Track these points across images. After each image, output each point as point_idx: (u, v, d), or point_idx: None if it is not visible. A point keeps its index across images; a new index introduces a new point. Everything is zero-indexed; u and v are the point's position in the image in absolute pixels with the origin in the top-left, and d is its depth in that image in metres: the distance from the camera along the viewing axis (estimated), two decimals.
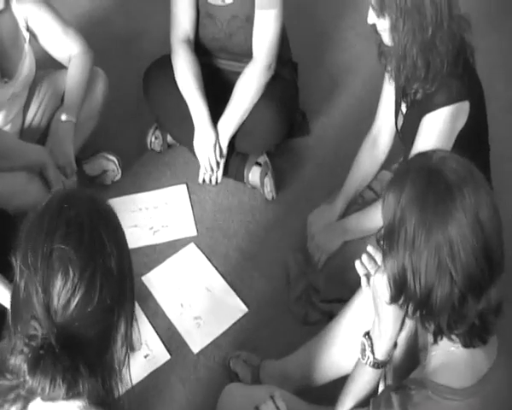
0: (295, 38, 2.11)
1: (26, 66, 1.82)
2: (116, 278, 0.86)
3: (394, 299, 0.96)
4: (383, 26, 1.40)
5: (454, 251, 0.88)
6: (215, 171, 1.92)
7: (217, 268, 1.80)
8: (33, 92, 1.92)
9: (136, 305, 1.69)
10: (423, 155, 0.98)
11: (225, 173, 1.97)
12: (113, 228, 0.90)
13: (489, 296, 0.91)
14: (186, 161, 2.05)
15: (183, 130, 1.91)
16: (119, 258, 0.87)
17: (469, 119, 1.44)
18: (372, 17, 1.40)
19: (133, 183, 2.02)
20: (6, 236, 1.68)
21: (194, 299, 1.73)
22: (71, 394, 0.81)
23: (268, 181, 1.90)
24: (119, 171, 1.98)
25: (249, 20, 1.84)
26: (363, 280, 1.09)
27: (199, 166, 1.95)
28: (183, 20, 1.89)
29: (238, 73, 1.90)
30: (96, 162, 1.98)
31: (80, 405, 0.84)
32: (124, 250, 0.90)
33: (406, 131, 1.54)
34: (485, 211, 0.90)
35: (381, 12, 1.37)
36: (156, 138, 2.05)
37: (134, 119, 2.14)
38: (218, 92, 1.93)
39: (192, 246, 1.85)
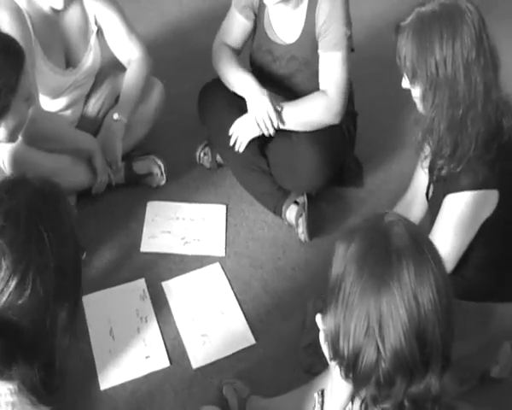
0: (369, 90, 2.16)
1: (91, 57, 1.97)
2: (53, 272, 0.87)
3: (331, 357, 0.91)
4: (415, 93, 1.40)
5: (383, 322, 0.83)
6: (273, 128, 1.87)
7: (235, 294, 1.85)
8: (95, 86, 2.07)
9: (150, 307, 1.79)
10: (378, 216, 0.93)
11: (264, 202, 2.02)
12: (56, 222, 0.90)
13: (426, 383, 0.84)
14: (232, 185, 2.13)
15: (231, 152, 1.96)
16: (58, 253, 0.88)
17: (499, 209, 1.40)
18: (406, 82, 1.40)
19: (177, 192, 2.11)
20: None
21: (206, 317, 1.77)
22: (3, 376, 0.84)
23: (301, 222, 1.94)
24: (164, 176, 2.09)
25: (308, 63, 1.89)
26: (321, 336, 0.95)
27: (242, 190, 2.02)
28: (227, 37, 1.97)
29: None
30: (144, 162, 2.09)
31: (11, 388, 0.86)
32: (65, 245, 0.90)
33: (433, 204, 1.53)
34: (426, 292, 0.83)
35: (412, 79, 1.36)
36: (205, 155, 2.15)
37: (192, 131, 2.23)
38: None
39: (217, 265, 1.91)
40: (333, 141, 1.94)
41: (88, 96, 2.07)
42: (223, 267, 1.91)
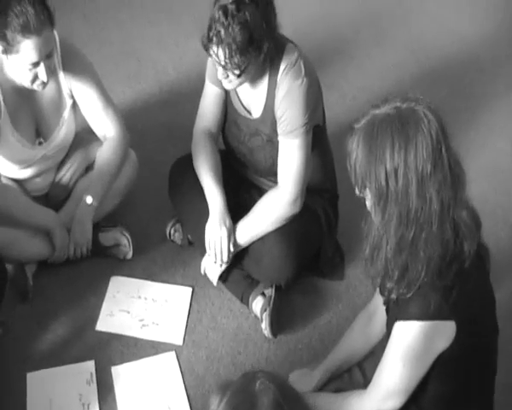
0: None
1: (63, 132, 1.96)
2: None
3: None
4: (367, 203, 1.29)
5: None
6: (223, 261, 1.88)
7: (186, 388, 1.80)
8: (69, 152, 2.07)
9: (95, 393, 1.75)
10: (251, 377, 0.96)
11: (231, 289, 1.99)
12: None
13: None
14: None
15: (199, 230, 1.92)
16: None
17: (457, 343, 1.29)
18: (357, 190, 1.29)
19: (144, 267, 2.10)
20: None
21: None
22: None
23: (265, 318, 1.90)
24: (130, 249, 2.07)
25: (270, 141, 1.86)
26: None
27: None
28: (207, 114, 1.96)
29: (261, 190, 1.95)
30: (111, 234, 2.08)
31: None
32: None
33: (388, 325, 1.43)
34: None
35: (361, 189, 1.26)
36: (176, 231, 2.13)
37: (164, 205, 2.19)
38: (242, 200, 1.97)
39: (172, 355, 1.87)
40: (303, 229, 1.89)
41: (61, 163, 2.07)
42: (178, 357, 1.87)
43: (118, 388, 1.77)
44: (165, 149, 2.43)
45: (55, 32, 1.85)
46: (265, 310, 1.90)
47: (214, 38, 1.61)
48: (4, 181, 1.98)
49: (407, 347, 1.31)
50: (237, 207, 1.93)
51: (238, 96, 1.89)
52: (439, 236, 1.22)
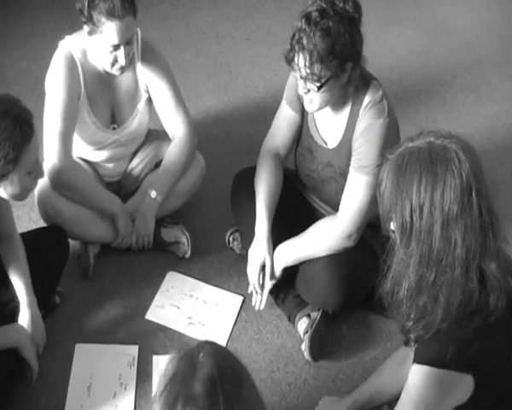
0: None
1: (136, 122, 2.12)
2: None
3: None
4: (391, 236, 1.29)
5: None
6: (258, 292, 1.96)
7: None
8: (142, 147, 2.23)
9: (134, 376, 1.85)
10: (199, 344, 1.05)
11: (281, 306, 2.04)
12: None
13: None
14: None
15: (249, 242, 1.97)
16: None
17: (475, 400, 1.26)
18: (383, 221, 1.31)
19: (201, 269, 2.20)
20: (54, 252, 1.97)
21: None
22: None
23: (306, 339, 1.93)
24: (189, 248, 2.18)
25: (343, 174, 1.88)
26: None
27: None
28: (278, 135, 2.00)
29: (323, 215, 1.99)
30: (173, 231, 2.20)
31: None
32: None
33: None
34: None
35: (388, 219, 1.26)
36: (235, 240, 2.22)
37: (229, 213, 2.24)
38: (299, 222, 1.99)
39: None
40: (357, 261, 1.90)
41: (134, 154, 2.23)
42: None
43: (155, 376, 1.87)
44: (241, 161, 2.54)
45: (138, 29, 2.04)
46: (307, 332, 1.94)
47: (296, 46, 1.67)
48: (81, 164, 2.16)
49: (420, 392, 1.29)
50: (293, 227, 1.97)
51: (316, 124, 1.93)
52: (461, 283, 1.19)
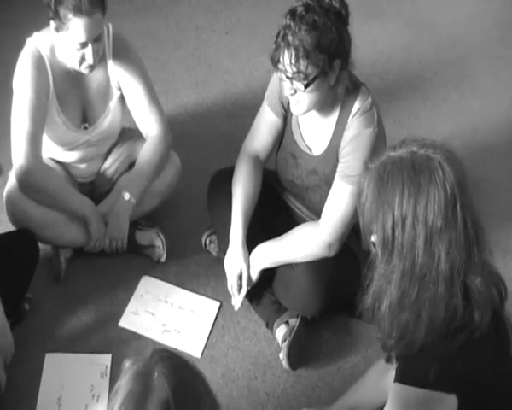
0: None
1: (107, 121, 2.06)
2: None
3: None
4: (372, 249, 1.25)
5: None
6: (235, 295, 1.93)
7: None
8: (115, 146, 2.16)
9: (107, 387, 1.79)
10: (153, 359, 1.00)
11: (259, 311, 2.01)
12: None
13: None
14: None
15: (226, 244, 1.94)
16: None
17: None
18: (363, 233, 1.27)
19: (176, 273, 2.15)
20: (23, 258, 1.91)
21: None
22: None
23: (284, 347, 1.90)
24: (164, 252, 2.12)
25: (328, 182, 1.83)
26: None
27: None
28: (258, 137, 1.94)
29: (303, 219, 1.95)
30: (147, 233, 2.14)
31: None
32: None
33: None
34: None
35: (367, 231, 1.22)
36: (211, 243, 2.17)
37: (206, 215, 2.18)
38: (278, 226, 1.95)
39: None
40: (338, 267, 1.85)
41: (107, 154, 2.17)
42: None
43: None
44: (219, 159, 2.48)
45: (110, 25, 1.98)
46: (285, 340, 1.90)
47: (281, 44, 1.62)
48: (51, 165, 2.09)
49: None
50: (271, 232, 1.93)
51: (300, 129, 1.88)
52: (445, 299, 1.15)
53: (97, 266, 2.13)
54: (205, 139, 2.64)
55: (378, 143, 1.74)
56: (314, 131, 1.85)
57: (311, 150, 1.87)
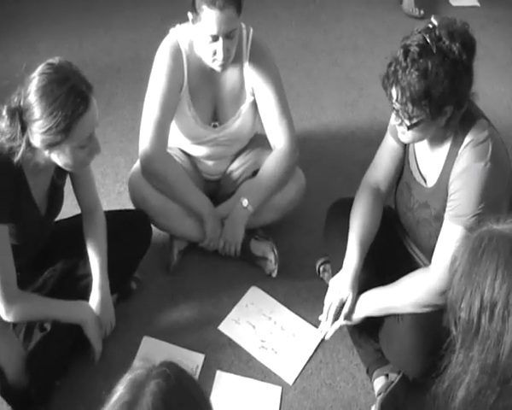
0: None
1: (237, 124, 2.05)
2: None
3: None
4: (454, 330, 1.15)
5: None
6: (328, 319, 1.84)
7: None
8: (244, 151, 2.16)
9: None
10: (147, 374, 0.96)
11: (361, 355, 1.92)
12: None
13: None
14: None
15: None
16: None
17: None
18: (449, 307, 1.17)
19: (286, 293, 2.09)
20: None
21: None
22: None
23: (377, 402, 1.79)
24: (276, 267, 2.09)
25: (438, 218, 1.70)
26: None
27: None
28: (381, 166, 1.87)
29: (419, 265, 1.84)
30: (262, 245, 2.12)
31: None
32: None
33: None
34: None
35: (453, 308, 1.12)
36: (325, 271, 2.10)
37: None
38: (394, 268, 1.84)
39: (277, 390, 1.84)
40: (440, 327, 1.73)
41: (236, 156, 2.17)
42: (282, 395, 1.83)
43: (215, 392, 1.80)
44: (351, 186, 2.33)
45: (251, 29, 1.99)
46: (380, 393, 1.79)
47: (391, 77, 1.54)
48: (180, 156, 2.13)
49: None
50: (385, 272, 1.84)
51: (416, 158, 1.79)
52: None
53: (209, 266, 2.14)
54: (341, 163, 2.58)
55: (493, 182, 1.58)
56: (428, 161, 1.75)
57: (425, 182, 1.76)
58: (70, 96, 1.48)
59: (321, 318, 1.88)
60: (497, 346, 1.03)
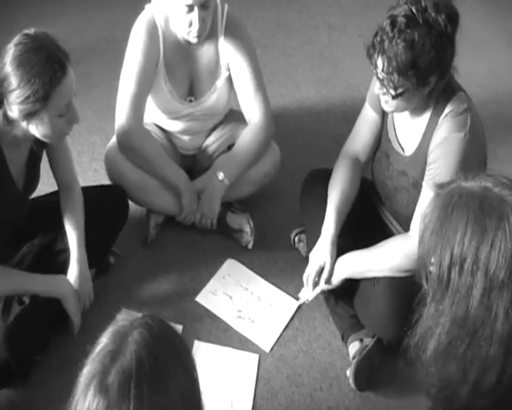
0: None
1: (213, 99, 2.08)
2: None
3: None
4: (425, 283, 1.18)
5: None
6: (308, 286, 1.89)
7: (255, 396, 1.81)
8: (220, 125, 2.19)
9: None
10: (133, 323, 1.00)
11: (336, 322, 1.97)
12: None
13: None
14: None
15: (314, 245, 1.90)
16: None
17: None
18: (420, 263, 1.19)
19: (262, 264, 2.14)
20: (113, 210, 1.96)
21: (215, 401, 1.76)
22: None
23: (352, 365, 1.84)
24: (252, 239, 2.13)
25: (416, 185, 1.76)
26: None
27: None
28: (359, 137, 1.91)
29: (390, 231, 1.88)
30: (238, 217, 2.16)
31: None
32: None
33: None
34: None
35: (424, 262, 1.15)
36: (300, 241, 2.15)
37: (299, 211, 2.14)
38: (369, 236, 1.88)
39: (255, 357, 1.89)
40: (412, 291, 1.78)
41: (211, 131, 2.20)
42: (259, 363, 1.88)
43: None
44: (326, 161, 2.38)
45: (226, 4, 2.01)
46: (355, 357, 1.85)
47: (377, 46, 1.57)
48: (155, 131, 2.16)
49: None
50: (360, 240, 1.88)
51: (394, 127, 1.84)
52: (497, 364, 1.03)
53: (186, 240, 2.18)
54: (316, 138, 2.62)
55: (470, 152, 1.64)
56: (407, 130, 1.80)
57: (403, 150, 1.82)
58: (47, 64, 1.49)
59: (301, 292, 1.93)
60: (467, 299, 1.06)
